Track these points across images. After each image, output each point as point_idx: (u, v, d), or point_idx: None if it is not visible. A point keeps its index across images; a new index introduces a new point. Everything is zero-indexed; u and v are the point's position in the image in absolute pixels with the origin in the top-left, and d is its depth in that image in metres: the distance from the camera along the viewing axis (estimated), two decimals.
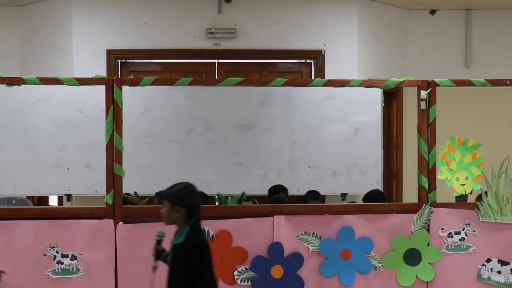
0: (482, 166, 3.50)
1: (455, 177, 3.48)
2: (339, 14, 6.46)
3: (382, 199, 5.52)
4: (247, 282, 3.29)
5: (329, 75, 6.36)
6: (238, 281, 3.27)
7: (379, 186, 5.96)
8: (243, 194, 3.80)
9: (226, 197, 4.12)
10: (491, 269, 3.44)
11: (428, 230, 3.41)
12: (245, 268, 3.29)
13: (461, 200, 3.62)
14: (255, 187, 5.64)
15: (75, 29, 6.28)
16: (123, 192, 5.08)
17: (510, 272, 3.45)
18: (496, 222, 3.44)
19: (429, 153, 3.43)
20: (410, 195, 6.39)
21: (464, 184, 3.50)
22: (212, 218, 3.31)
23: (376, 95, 6.01)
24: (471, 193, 3.56)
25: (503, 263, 3.45)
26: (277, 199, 5.23)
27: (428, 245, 3.41)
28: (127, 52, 6.39)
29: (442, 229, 3.41)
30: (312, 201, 5.43)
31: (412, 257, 3.41)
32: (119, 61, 6.43)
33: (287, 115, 6.00)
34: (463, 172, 3.49)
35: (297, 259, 3.33)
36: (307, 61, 6.57)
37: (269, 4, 6.43)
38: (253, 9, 6.42)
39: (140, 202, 5.09)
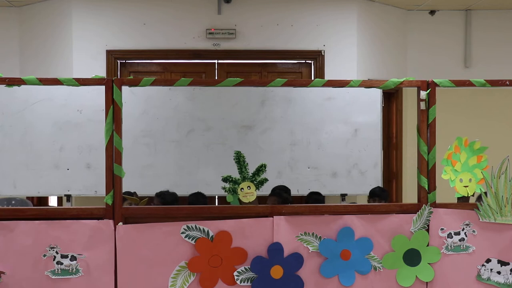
0: (487, 170, 3.49)
1: (459, 178, 3.47)
2: (339, 15, 6.47)
3: (386, 195, 5.57)
4: (247, 282, 3.29)
5: (329, 75, 6.37)
6: (238, 282, 3.27)
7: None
8: (262, 165, 3.47)
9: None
10: (491, 269, 3.44)
11: (427, 230, 3.41)
12: (245, 268, 3.29)
13: (462, 202, 3.62)
14: None
15: (75, 29, 6.28)
16: (124, 191, 5.14)
17: (510, 272, 3.45)
18: (496, 222, 3.44)
19: (428, 153, 3.42)
20: (410, 195, 6.40)
21: (467, 186, 3.49)
22: (211, 218, 3.30)
23: (375, 95, 6.02)
24: (473, 195, 3.56)
25: (503, 263, 3.45)
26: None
27: (427, 245, 3.41)
28: (126, 53, 6.40)
29: (442, 229, 3.41)
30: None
31: (412, 257, 3.41)
32: (118, 61, 6.43)
33: (287, 115, 6.01)
34: (467, 174, 3.48)
35: (297, 260, 3.32)
36: (307, 61, 6.58)
37: (269, 5, 6.44)
38: (253, 9, 6.43)
39: (140, 203, 5.09)
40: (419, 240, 3.40)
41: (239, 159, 3.36)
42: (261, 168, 3.38)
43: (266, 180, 3.40)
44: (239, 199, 3.38)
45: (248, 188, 3.36)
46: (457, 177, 3.47)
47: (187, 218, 3.26)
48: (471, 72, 6.84)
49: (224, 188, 3.33)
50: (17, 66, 6.55)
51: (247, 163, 3.38)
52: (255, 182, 3.36)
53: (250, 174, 3.35)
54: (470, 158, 3.50)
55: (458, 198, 3.59)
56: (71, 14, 6.30)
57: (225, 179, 3.35)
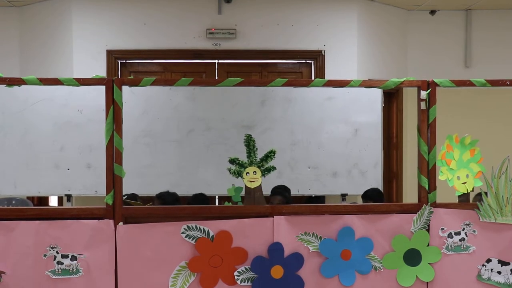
0: (481, 162, 3.50)
1: (456, 176, 3.48)
2: (339, 14, 6.47)
3: (380, 196, 5.56)
4: (247, 282, 3.29)
5: (329, 75, 6.37)
6: (238, 282, 3.27)
7: (379, 186, 5.97)
8: (272, 152, 3.30)
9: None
10: (491, 269, 3.44)
11: (428, 230, 3.41)
12: (245, 268, 3.29)
13: (464, 199, 3.62)
14: None
15: (75, 29, 6.28)
16: (128, 194, 5.14)
17: (510, 272, 3.45)
18: (496, 222, 3.44)
19: (429, 153, 3.42)
20: (410, 195, 6.40)
21: (465, 182, 3.49)
22: (212, 218, 3.30)
23: (376, 95, 6.02)
24: (472, 190, 3.56)
25: (503, 263, 3.45)
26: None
27: (428, 245, 3.41)
28: (127, 53, 6.40)
29: (442, 229, 3.41)
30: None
31: (412, 257, 3.41)
32: (119, 61, 6.44)
33: (287, 115, 6.01)
34: (463, 170, 3.49)
35: (297, 260, 3.33)
36: (307, 61, 6.58)
37: (269, 4, 6.44)
38: (253, 9, 6.43)
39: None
40: (419, 240, 3.40)
41: (249, 143, 3.29)
42: (269, 154, 3.29)
43: (273, 168, 3.31)
44: (241, 192, 3.36)
45: (254, 173, 3.31)
46: (454, 176, 3.47)
47: (188, 218, 3.26)
48: (471, 72, 6.84)
49: (229, 169, 3.28)
50: (17, 66, 6.55)
51: (257, 148, 3.30)
52: (262, 168, 3.30)
53: (258, 160, 3.31)
54: (463, 154, 3.50)
55: (459, 196, 3.60)
56: (71, 14, 6.30)
57: (232, 161, 3.28)
